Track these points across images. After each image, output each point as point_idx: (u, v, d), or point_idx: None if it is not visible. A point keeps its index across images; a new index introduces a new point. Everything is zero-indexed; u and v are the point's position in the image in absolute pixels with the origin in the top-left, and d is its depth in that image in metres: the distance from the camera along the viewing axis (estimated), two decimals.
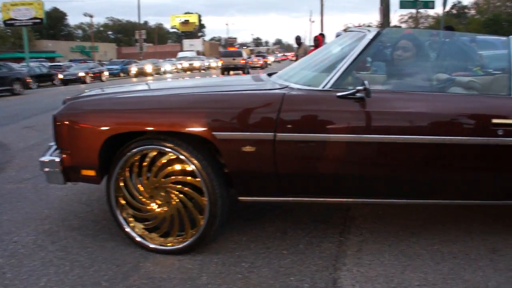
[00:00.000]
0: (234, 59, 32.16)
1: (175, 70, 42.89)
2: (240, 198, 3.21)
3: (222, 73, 31.55)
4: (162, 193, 3.23)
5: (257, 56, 56.07)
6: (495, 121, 2.98)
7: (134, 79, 33.75)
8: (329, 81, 3.10)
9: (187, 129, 3.05)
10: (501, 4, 67.94)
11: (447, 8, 73.92)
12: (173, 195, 3.21)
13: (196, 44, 77.75)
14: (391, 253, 3.20)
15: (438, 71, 3.67)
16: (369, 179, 3.12)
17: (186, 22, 74.33)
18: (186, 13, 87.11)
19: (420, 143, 2.99)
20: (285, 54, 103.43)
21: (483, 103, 3.16)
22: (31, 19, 33.70)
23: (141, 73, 37.26)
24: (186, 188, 3.19)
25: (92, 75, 31.93)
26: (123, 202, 3.31)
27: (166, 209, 3.25)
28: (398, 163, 3.06)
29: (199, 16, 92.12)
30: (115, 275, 2.97)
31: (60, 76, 30.18)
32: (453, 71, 3.65)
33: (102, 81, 32.71)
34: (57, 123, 3.29)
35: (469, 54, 4.06)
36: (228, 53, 34.52)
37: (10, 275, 3.02)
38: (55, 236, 3.60)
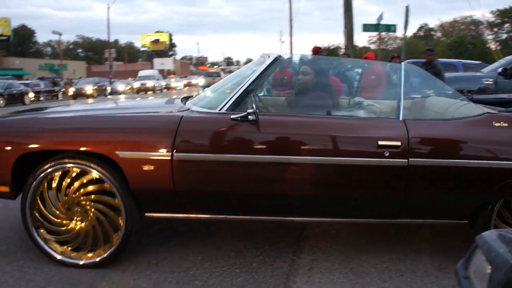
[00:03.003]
0: (214, 79, 34.33)
1: (129, 91, 39.37)
2: (146, 214, 3.36)
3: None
4: (78, 209, 3.38)
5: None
6: (381, 143, 3.15)
7: (72, 101, 28.72)
8: (225, 104, 3.31)
9: (89, 148, 3.21)
10: (465, 27, 70.17)
11: (414, 30, 75.87)
12: (89, 212, 3.38)
13: (166, 62, 77.66)
14: (341, 271, 3.30)
15: (335, 94, 3.95)
16: (260, 197, 3.29)
17: (156, 41, 74.46)
18: (156, 32, 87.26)
19: (303, 163, 3.16)
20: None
21: (371, 126, 3.35)
22: None
23: (80, 94, 32.87)
24: (101, 206, 3.36)
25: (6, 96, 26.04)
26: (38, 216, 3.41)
27: (82, 225, 3.40)
28: (285, 182, 3.21)
29: (170, 35, 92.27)
30: None
31: None
32: (349, 94, 3.93)
33: (25, 104, 26.76)
34: None
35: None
36: (209, 74, 40.40)
37: None
38: (12, 257, 3.60)
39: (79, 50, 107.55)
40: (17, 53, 77.99)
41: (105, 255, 3.35)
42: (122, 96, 35.57)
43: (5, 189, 3.40)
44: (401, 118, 3.27)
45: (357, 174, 3.18)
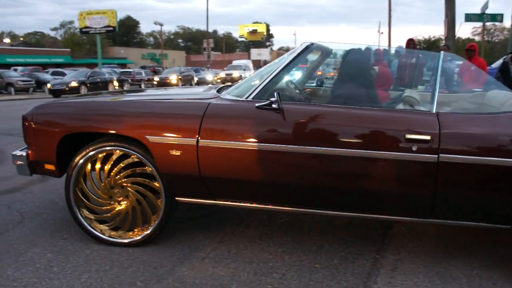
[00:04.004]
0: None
1: (218, 80, 36.60)
2: (177, 198, 3.44)
3: None
4: (119, 191, 3.56)
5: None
6: (408, 136, 2.96)
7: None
8: (252, 92, 3.31)
9: (123, 131, 3.36)
10: None
11: None
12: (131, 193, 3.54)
13: (263, 53, 78.12)
14: (426, 274, 3.14)
15: (373, 86, 3.74)
16: (284, 186, 3.23)
17: (254, 32, 75.04)
18: (254, 22, 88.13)
19: (324, 154, 3.06)
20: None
21: (400, 119, 3.14)
22: (105, 27, 35.21)
23: (163, 84, 33.00)
24: (141, 188, 3.52)
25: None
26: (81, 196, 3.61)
27: (122, 205, 3.58)
28: (307, 173, 3.14)
29: (267, 26, 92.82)
30: (151, 277, 3.09)
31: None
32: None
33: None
34: (25, 122, 3.73)
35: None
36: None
37: (56, 269, 3.22)
38: None
39: (179, 40, 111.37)
40: (122, 43, 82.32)
41: (143, 234, 3.52)
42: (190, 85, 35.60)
43: (52, 167, 3.64)
44: (434, 111, 3.06)
45: (383, 168, 3.03)
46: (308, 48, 3.52)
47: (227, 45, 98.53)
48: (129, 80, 33.31)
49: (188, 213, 4.30)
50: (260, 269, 3.21)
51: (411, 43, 10.13)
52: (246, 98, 3.30)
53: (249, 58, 70.03)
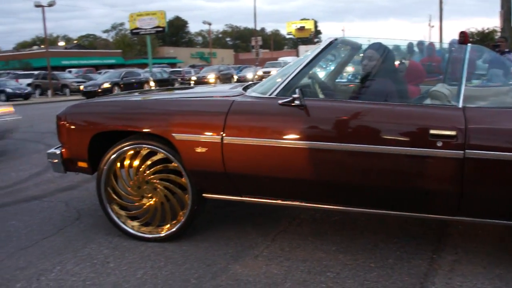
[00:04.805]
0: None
1: (257, 78, 34.92)
2: (204, 195, 3.49)
3: None
4: (148, 187, 3.64)
5: None
6: (433, 132, 2.86)
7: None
8: (276, 89, 3.30)
9: (150, 129, 3.44)
10: None
11: None
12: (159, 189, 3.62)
13: (311, 50, 77.72)
14: (486, 276, 3.02)
15: (399, 80, 3.63)
16: (306, 183, 3.22)
17: (301, 29, 74.67)
18: (302, 19, 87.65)
19: (350, 151, 3.03)
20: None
21: (425, 114, 3.04)
22: (154, 27, 35.75)
23: (201, 82, 32.37)
24: (168, 184, 3.60)
25: None
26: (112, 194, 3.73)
27: (151, 201, 3.66)
28: (329, 169, 3.13)
29: (315, 22, 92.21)
30: (205, 274, 3.12)
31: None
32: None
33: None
34: (58, 122, 3.89)
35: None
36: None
37: (113, 265, 3.31)
38: None
39: (228, 39, 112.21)
40: (172, 43, 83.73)
41: (172, 230, 3.60)
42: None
43: (84, 164, 3.78)
44: (460, 106, 2.95)
45: (408, 164, 2.96)
46: (332, 44, 3.49)
47: (275, 43, 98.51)
48: (179, 79, 33.70)
49: (240, 211, 4.31)
50: (314, 267, 3.18)
51: (462, 36, 9.80)
52: (270, 95, 3.32)
53: (297, 55, 69.76)
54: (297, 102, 3.11)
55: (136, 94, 4.74)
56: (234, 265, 3.24)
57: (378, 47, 3.59)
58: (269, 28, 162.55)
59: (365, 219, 4.05)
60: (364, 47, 3.91)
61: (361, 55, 3.79)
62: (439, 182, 2.96)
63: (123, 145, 3.56)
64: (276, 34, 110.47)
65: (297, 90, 3.11)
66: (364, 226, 3.91)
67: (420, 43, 6.52)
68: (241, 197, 3.43)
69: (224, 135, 3.23)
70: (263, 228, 3.90)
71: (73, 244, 3.68)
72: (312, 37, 78.32)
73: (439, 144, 2.86)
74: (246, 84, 4.24)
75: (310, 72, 3.58)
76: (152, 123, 3.45)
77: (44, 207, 4.69)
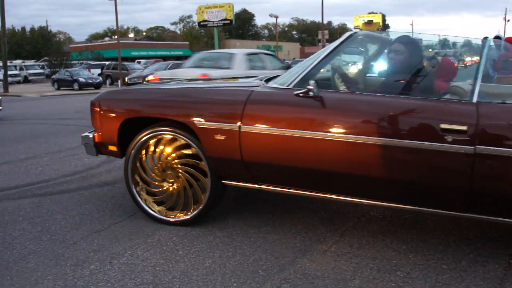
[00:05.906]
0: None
1: None
2: (223, 181, 3.63)
3: None
4: (171, 172, 3.83)
5: None
6: (443, 126, 2.82)
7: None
8: (294, 81, 3.35)
9: (173, 117, 3.62)
10: None
11: None
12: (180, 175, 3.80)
13: None
14: None
15: (424, 75, 3.49)
16: (324, 174, 3.23)
17: (369, 22, 73.29)
18: (370, 13, 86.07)
19: (361, 143, 3.03)
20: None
21: (437, 108, 2.96)
22: (222, 20, 36.17)
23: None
24: (190, 169, 3.76)
25: None
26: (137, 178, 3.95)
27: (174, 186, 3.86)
28: (340, 161, 3.14)
29: (383, 16, 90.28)
30: (272, 266, 3.13)
31: None
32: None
33: None
34: (92, 107, 4.11)
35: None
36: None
37: (182, 252, 3.37)
38: (224, 223, 3.90)
39: (294, 32, 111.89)
40: (238, 35, 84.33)
41: (195, 213, 3.74)
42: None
43: (114, 148, 4.01)
44: (474, 101, 2.84)
45: (418, 157, 2.94)
46: (351, 37, 3.49)
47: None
48: None
49: (309, 205, 4.29)
50: (384, 265, 3.12)
51: None
52: (288, 86, 3.35)
53: None
54: (311, 93, 3.15)
55: (169, 83, 4.97)
56: (302, 259, 3.24)
57: (405, 41, 3.55)
58: (335, 22, 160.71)
59: (436, 217, 3.93)
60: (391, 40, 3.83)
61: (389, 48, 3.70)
62: (449, 178, 2.92)
63: (147, 131, 3.76)
64: (343, 27, 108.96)
65: (311, 82, 3.16)
66: (435, 225, 3.80)
67: (497, 38, 6.22)
68: (258, 185, 3.52)
69: (241, 123, 3.33)
70: (331, 223, 3.87)
71: (143, 230, 3.78)
72: (379, 31, 76.92)
73: (449, 139, 2.81)
74: (271, 76, 4.25)
75: (334, 64, 3.61)
76: (175, 111, 3.64)
77: (116, 193, 4.85)
